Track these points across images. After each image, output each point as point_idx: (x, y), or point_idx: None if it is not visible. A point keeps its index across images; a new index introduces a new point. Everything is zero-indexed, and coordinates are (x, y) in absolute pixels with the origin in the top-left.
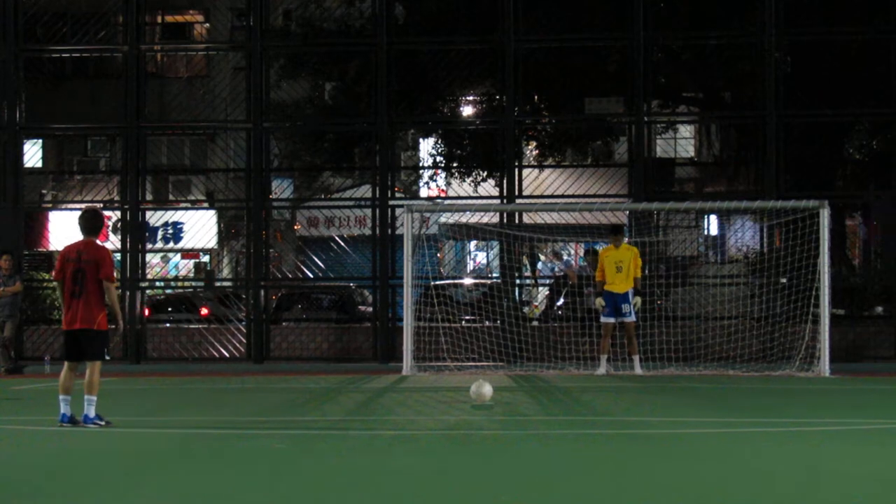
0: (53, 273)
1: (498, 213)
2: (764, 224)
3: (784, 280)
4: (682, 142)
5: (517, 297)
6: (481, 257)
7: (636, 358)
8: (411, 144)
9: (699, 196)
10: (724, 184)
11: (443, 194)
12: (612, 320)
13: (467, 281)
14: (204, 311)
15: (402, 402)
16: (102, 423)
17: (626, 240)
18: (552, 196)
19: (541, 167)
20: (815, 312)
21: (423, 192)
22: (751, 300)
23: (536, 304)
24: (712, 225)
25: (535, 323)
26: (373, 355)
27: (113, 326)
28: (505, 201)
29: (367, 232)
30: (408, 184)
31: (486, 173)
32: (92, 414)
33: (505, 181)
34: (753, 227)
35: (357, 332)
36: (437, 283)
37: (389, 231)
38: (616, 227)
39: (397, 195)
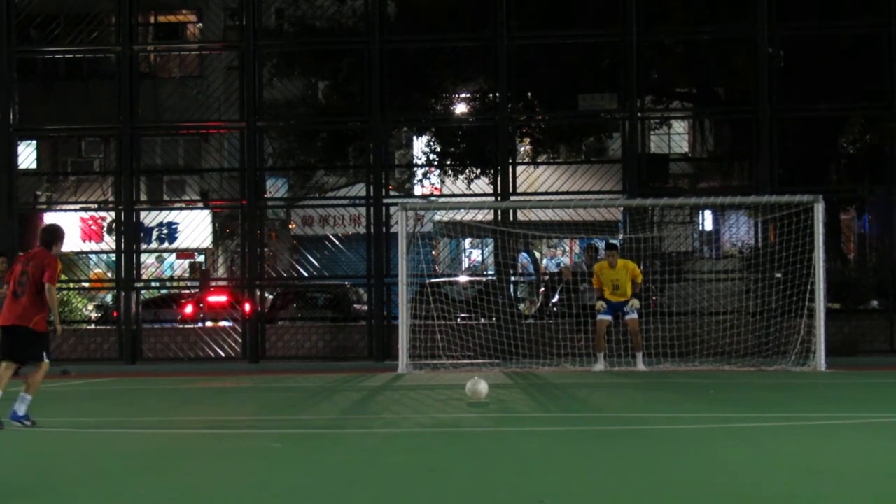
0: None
1: (492, 211)
2: (758, 219)
3: (779, 275)
4: (675, 137)
5: (514, 293)
6: (476, 255)
7: (639, 354)
8: (405, 142)
9: (693, 191)
10: (718, 179)
11: (437, 192)
12: (608, 318)
13: (462, 278)
14: (188, 309)
15: (398, 400)
16: (29, 423)
17: (619, 255)
18: (546, 193)
19: (534, 164)
20: (810, 307)
21: (417, 190)
22: (746, 295)
23: (532, 300)
24: (707, 220)
25: (530, 320)
26: (368, 354)
27: (52, 329)
28: (499, 198)
29: (362, 230)
30: (402, 182)
31: (479, 171)
32: (21, 412)
33: (499, 178)
34: (748, 222)
35: (352, 331)
36: (432, 280)
37: (384, 229)
38: (610, 245)
39: (391, 193)
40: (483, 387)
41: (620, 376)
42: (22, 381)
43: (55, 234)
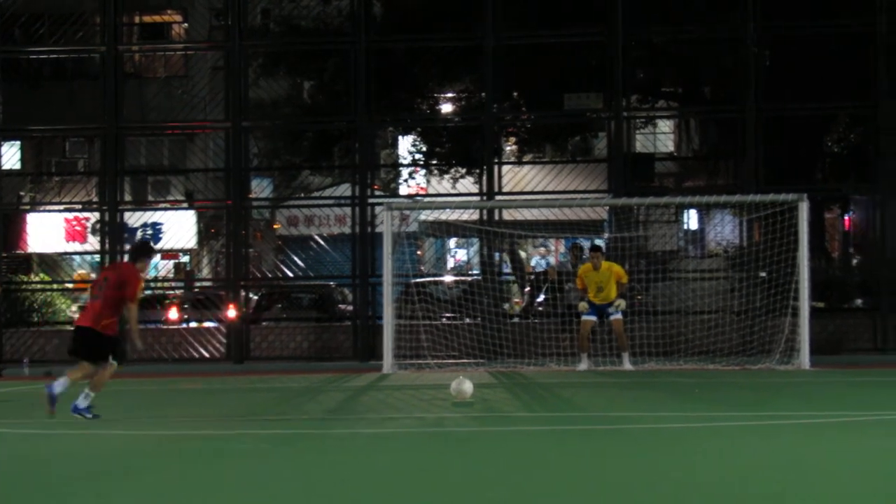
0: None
1: (478, 210)
2: (743, 218)
3: (763, 274)
4: (661, 137)
5: (501, 292)
6: (461, 254)
7: (625, 354)
8: (390, 142)
9: (679, 191)
10: (703, 178)
11: (422, 192)
12: (592, 319)
13: (447, 278)
14: (173, 313)
15: (383, 400)
16: (89, 416)
17: (603, 257)
18: (532, 192)
19: (520, 163)
20: (794, 305)
21: (403, 190)
22: (731, 294)
23: (518, 300)
24: (692, 219)
25: (515, 319)
26: (353, 354)
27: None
28: (485, 198)
29: (347, 230)
30: (387, 182)
31: (465, 170)
32: (82, 405)
33: (484, 178)
34: (733, 221)
35: (337, 331)
36: (417, 280)
37: (369, 229)
38: (594, 247)
39: (377, 193)
40: (468, 386)
41: (605, 375)
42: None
43: (141, 251)
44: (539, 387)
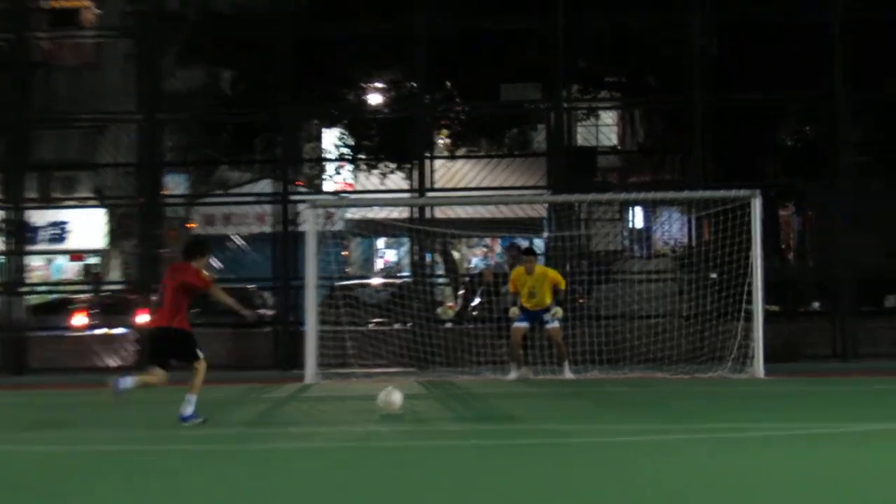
0: None
1: (408, 208)
2: (692, 216)
3: (714, 275)
4: (603, 129)
5: (433, 296)
6: (390, 255)
7: (565, 363)
8: (315, 135)
9: (623, 187)
10: (649, 173)
11: (349, 188)
12: (524, 325)
13: (375, 281)
14: (79, 319)
15: (306, 412)
16: (199, 420)
17: (538, 260)
18: (466, 188)
19: (454, 158)
20: (747, 309)
21: (328, 186)
22: (679, 297)
23: (451, 304)
24: (637, 217)
25: (448, 325)
26: (273, 362)
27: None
28: (416, 195)
29: (268, 229)
30: (311, 177)
31: (395, 165)
32: (188, 412)
33: (415, 173)
34: (681, 219)
35: (256, 338)
36: (343, 283)
37: (291, 228)
38: (527, 249)
39: (300, 189)
40: (397, 397)
41: (544, 385)
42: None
43: (194, 248)
44: (473, 397)
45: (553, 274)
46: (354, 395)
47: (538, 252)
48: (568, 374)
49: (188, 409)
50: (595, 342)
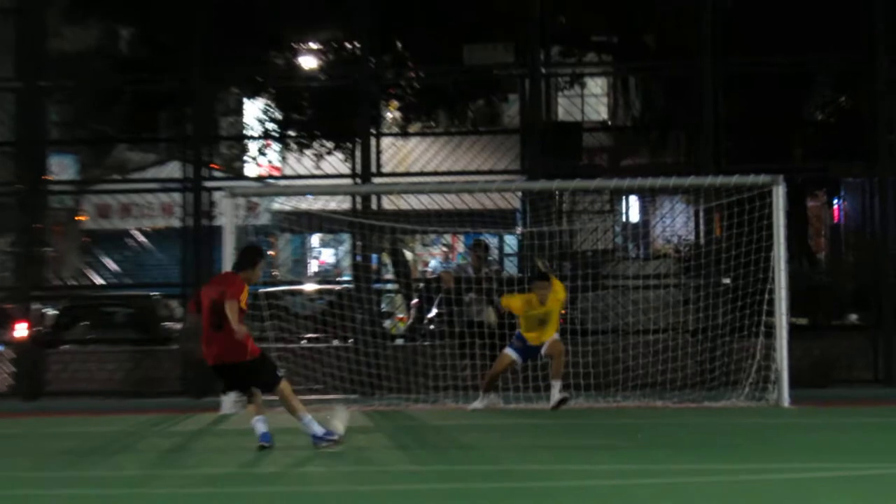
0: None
1: (349, 197)
2: (700, 207)
3: (727, 280)
4: (591, 101)
5: (380, 305)
6: (327, 255)
7: (557, 383)
8: (234, 108)
9: (615, 171)
10: (646, 155)
11: (276, 173)
12: (516, 358)
13: (309, 287)
14: None
15: (222, 449)
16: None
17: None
18: (421, 174)
19: (406, 135)
20: (768, 322)
21: (250, 171)
22: (684, 308)
23: (402, 315)
24: (632, 209)
25: (399, 341)
26: (183, 387)
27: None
28: (359, 181)
29: (176, 223)
30: (229, 159)
31: (333, 145)
32: (318, 432)
33: (358, 154)
34: (686, 211)
35: (162, 358)
36: (269, 290)
37: (205, 222)
38: (542, 274)
39: (216, 174)
40: (339, 422)
41: (517, 416)
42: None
43: (246, 257)
44: (431, 431)
45: (560, 287)
46: (283, 428)
47: (513, 250)
48: (556, 397)
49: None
50: (580, 363)
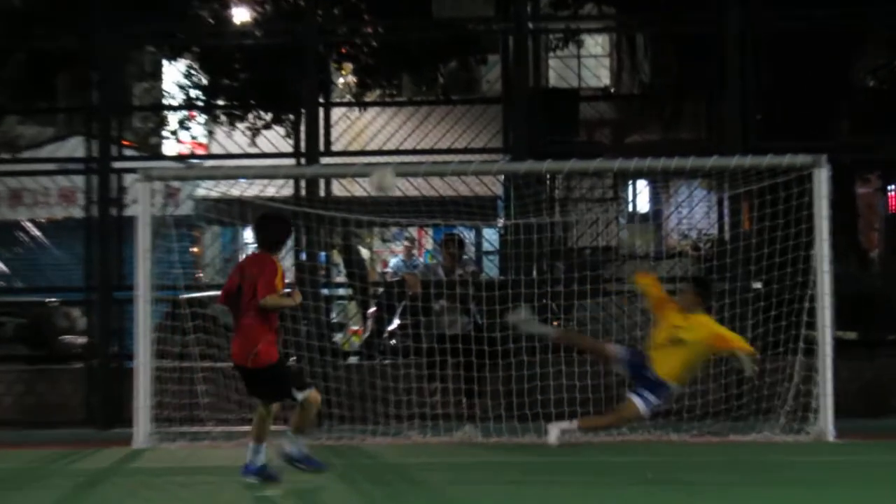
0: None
1: (292, 181)
2: (724, 194)
3: (758, 285)
4: (589, 63)
5: (329, 314)
6: None
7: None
8: (150, 72)
9: (619, 150)
10: (658, 130)
11: (202, 151)
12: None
13: None
14: None
15: (133, 492)
16: (315, 465)
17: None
18: (380, 152)
19: (361, 105)
20: (809, 337)
21: (169, 149)
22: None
23: (357, 327)
24: (641, 197)
25: (353, 359)
26: (87, 416)
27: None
28: (303, 161)
29: (78, 213)
30: (143, 135)
31: (271, 117)
32: (295, 451)
33: (303, 129)
34: (708, 199)
35: (61, 378)
36: (193, 295)
37: (114, 211)
38: (700, 282)
39: (127, 153)
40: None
41: (502, 451)
42: None
43: (275, 231)
44: (392, 471)
45: (713, 332)
46: (208, 467)
47: (493, 247)
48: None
49: (297, 448)
50: (576, 387)
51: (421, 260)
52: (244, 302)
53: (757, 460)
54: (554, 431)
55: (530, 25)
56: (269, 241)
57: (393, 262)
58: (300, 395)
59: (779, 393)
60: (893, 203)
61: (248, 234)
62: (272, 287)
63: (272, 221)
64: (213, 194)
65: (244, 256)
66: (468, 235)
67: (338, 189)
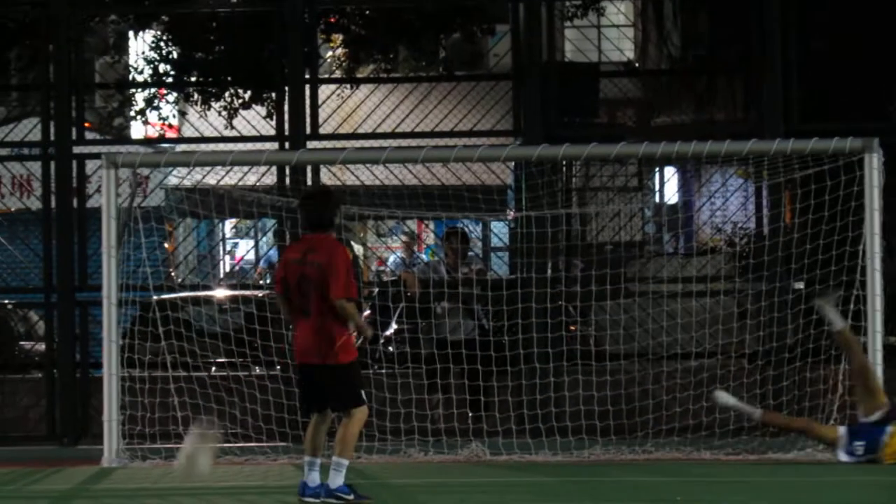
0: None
1: (275, 169)
2: (763, 183)
3: (800, 285)
4: (610, 34)
5: None
6: (244, 249)
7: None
8: (114, 44)
9: (644, 133)
10: (689, 110)
11: (173, 134)
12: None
13: (220, 293)
14: None
15: None
16: (351, 497)
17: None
18: (374, 135)
19: (353, 82)
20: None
21: (137, 132)
22: (740, 322)
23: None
24: (669, 186)
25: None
26: (48, 431)
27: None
28: (287, 145)
29: (35, 205)
30: (107, 116)
31: (251, 95)
32: (337, 483)
33: (287, 109)
34: (744, 188)
35: (18, 390)
36: (166, 297)
37: (76, 203)
38: None
39: (89, 137)
40: (202, 463)
41: (512, 471)
42: None
43: (327, 206)
44: (391, 493)
45: None
46: (183, 488)
47: (502, 242)
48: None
49: (339, 479)
50: (595, 399)
51: (423, 256)
52: (314, 294)
53: (800, 481)
54: (727, 398)
55: None
56: (326, 219)
57: (391, 259)
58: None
59: (822, 405)
60: None
61: (227, 229)
62: (350, 287)
63: (321, 196)
64: (187, 183)
65: (296, 242)
66: (474, 229)
67: (327, 177)
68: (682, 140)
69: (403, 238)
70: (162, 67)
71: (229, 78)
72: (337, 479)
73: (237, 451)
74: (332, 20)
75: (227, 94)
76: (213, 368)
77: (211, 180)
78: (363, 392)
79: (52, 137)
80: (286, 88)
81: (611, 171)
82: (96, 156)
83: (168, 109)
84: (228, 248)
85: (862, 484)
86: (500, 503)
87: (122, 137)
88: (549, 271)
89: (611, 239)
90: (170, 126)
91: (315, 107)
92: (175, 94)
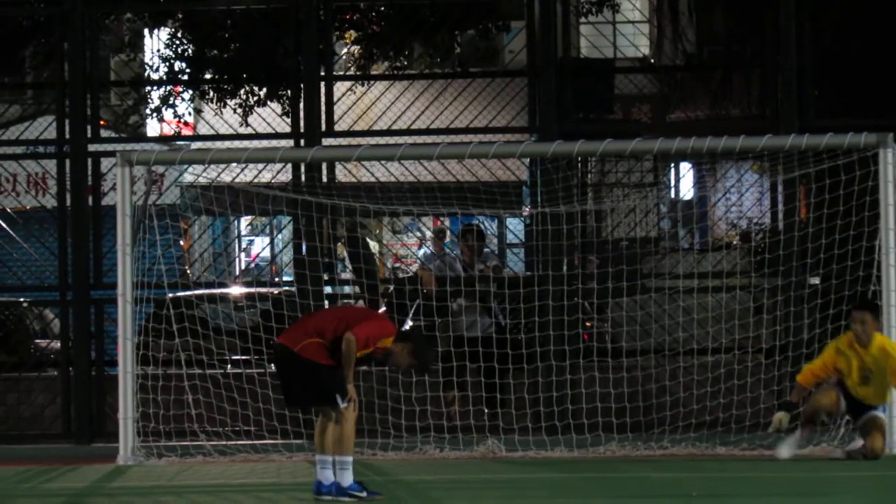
0: None
1: (290, 166)
2: (778, 178)
3: (816, 280)
4: (626, 30)
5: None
6: (259, 247)
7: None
8: (129, 42)
9: (659, 129)
10: (704, 105)
11: (188, 132)
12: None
13: (235, 290)
14: None
15: None
16: (363, 494)
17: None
18: (389, 132)
19: (367, 79)
20: None
21: (152, 130)
22: (756, 318)
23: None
24: (685, 182)
25: (362, 367)
26: (64, 429)
27: None
28: (303, 142)
29: (51, 203)
30: (123, 114)
31: (265, 92)
32: (347, 481)
33: (302, 106)
34: (760, 183)
35: (33, 388)
36: (181, 294)
37: (91, 201)
38: (864, 304)
39: (104, 135)
40: None
41: (528, 468)
42: None
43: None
44: (407, 490)
45: (893, 347)
46: (199, 486)
47: (518, 239)
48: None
49: (348, 477)
50: (612, 395)
51: (456, 252)
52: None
53: (815, 477)
54: (787, 451)
55: None
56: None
57: (421, 253)
58: (343, 402)
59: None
60: None
61: (243, 226)
62: (372, 341)
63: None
64: (202, 180)
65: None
66: (489, 226)
67: (342, 174)
68: (697, 136)
69: (419, 235)
70: (177, 65)
71: (244, 75)
72: (345, 478)
73: (251, 448)
74: (347, 17)
75: (242, 91)
76: (229, 366)
77: (226, 177)
78: (340, 395)
79: (67, 135)
80: (301, 86)
81: (626, 167)
82: (111, 153)
83: (183, 107)
84: (244, 245)
85: (875, 479)
86: (516, 500)
87: (138, 135)
88: (565, 268)
89: (626, 235)
90: (185, 123)
91: (330, 104)
92: (190, 92)
